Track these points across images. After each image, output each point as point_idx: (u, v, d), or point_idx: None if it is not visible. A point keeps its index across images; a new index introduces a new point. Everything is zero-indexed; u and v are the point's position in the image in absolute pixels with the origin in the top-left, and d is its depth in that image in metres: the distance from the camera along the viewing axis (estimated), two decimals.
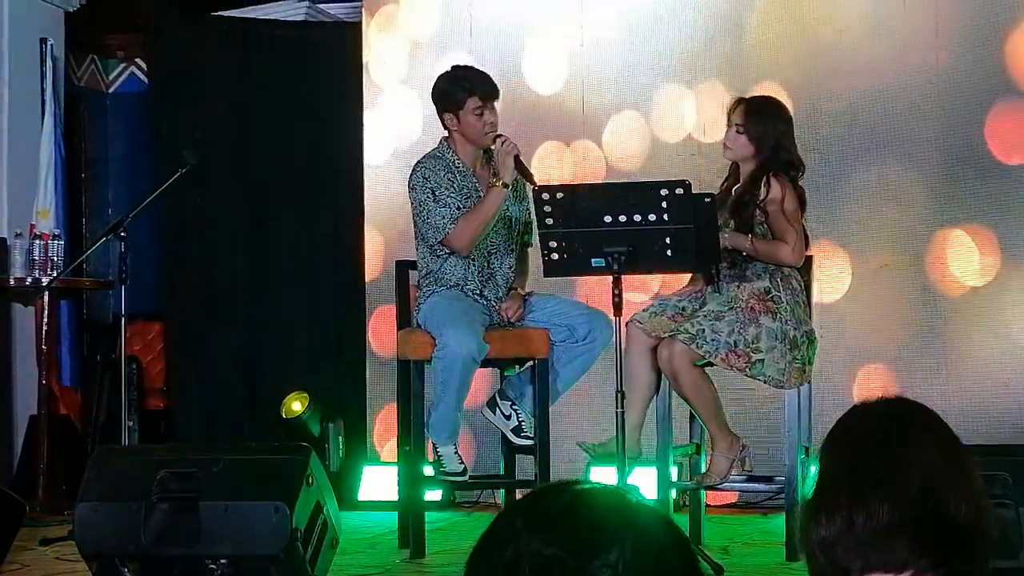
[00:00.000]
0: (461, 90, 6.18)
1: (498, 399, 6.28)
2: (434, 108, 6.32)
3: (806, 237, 5.99)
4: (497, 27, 7.83)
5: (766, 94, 6.49)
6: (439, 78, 6.33)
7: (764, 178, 5.89)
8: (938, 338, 7.27)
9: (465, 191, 6.21)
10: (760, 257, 5.89)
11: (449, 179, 6.20)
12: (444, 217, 6.15)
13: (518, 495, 6.42)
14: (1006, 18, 7.28)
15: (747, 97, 6.15)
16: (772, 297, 5.87)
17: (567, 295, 6.82)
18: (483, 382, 6.89)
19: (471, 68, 6.39)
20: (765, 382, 5.88)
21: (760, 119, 5.95)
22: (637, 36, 7.67)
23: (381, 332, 7.82)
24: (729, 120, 6.00)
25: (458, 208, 6.15)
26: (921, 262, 7.31)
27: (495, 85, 6.22)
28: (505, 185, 6.06)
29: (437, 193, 6.17)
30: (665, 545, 1.53)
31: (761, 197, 5.88)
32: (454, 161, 6.24)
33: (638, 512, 1.54)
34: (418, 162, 6.33)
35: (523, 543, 1.50)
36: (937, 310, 7.28)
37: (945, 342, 7.26)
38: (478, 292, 6.24)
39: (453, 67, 6.42)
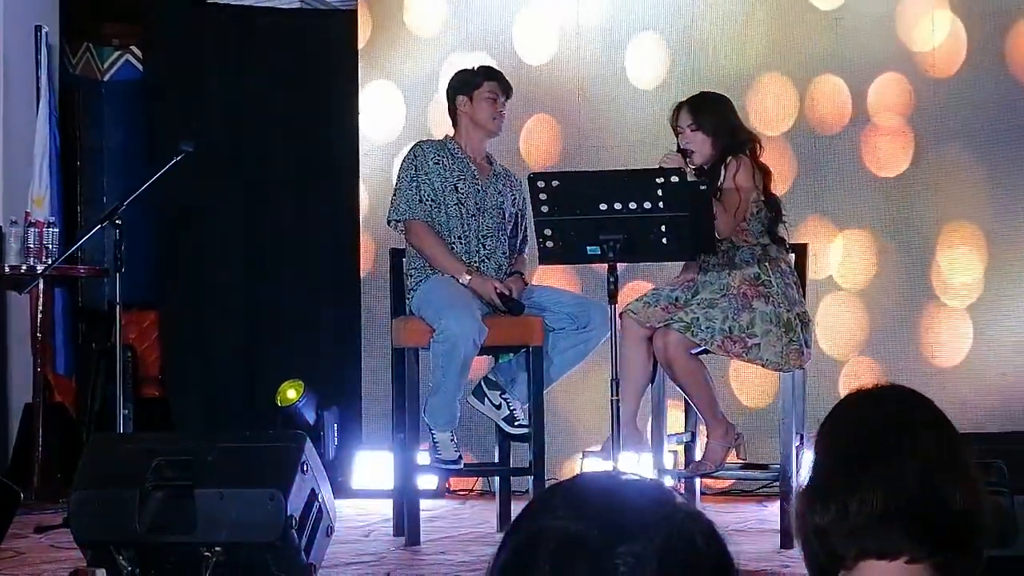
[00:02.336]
0: (480, 75, 6.36)
1: (485, 388, 6.24)
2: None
3: (778, 210, 5.97)
4: (491, 8, 7.82)
5: (700, 91, 6.46)
6: (457, 72, 6.47)
7: (724, 163, 5.90)
8: (932, 327, 7.27)
9: (459, 173, 6.22)
10: None
11: (442, 165, 6.21)
12: (410, 202, 6.19)
13: (513, 483, 6.42)
14: (1006, 7, 7.26)
15: (683, 100, 6.11)
16: (763, 282, 5.89)
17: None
18: (478, 368, 6.87)
19: (490, 66, 6.59)
20: (764, 365, 5.89)
21: (707, 110, 5.96)
22: (636, 21, 7.66)
23: (376, 320, 7.82)
24: (679, 128, 5.98)
25: (433, 201, 6.16)
26: (915, 251, 7.31)
27: (510, 84, 6.38)
28: (468, 274, 6.09)
29: (419, 177, 6.19)
30: (699, 551, 1.50)
31: (721, 180, 5.87)
32: (455, 150, 6.26)
33: (679, 513, 1.52)
34: (419, 142, 6.39)
35: (553, 518, 1.49)
36: (929, 299, 7.28)
37: (939, 331, 7.26)
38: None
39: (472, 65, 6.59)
